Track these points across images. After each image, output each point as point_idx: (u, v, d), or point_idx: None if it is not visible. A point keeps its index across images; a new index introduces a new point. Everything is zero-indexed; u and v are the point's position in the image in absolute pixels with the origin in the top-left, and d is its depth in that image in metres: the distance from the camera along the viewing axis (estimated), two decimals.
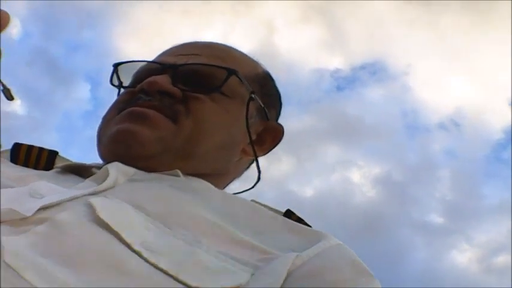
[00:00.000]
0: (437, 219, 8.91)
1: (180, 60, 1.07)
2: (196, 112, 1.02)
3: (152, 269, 0.71)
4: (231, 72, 1.06)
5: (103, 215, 0.75)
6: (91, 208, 0.76)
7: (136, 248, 0.73)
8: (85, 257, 0.69)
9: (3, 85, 1.01)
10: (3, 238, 0.64)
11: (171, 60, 1.08)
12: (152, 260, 0.72)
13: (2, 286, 0.60)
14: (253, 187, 1.14)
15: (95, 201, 0.78)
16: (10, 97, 1.02)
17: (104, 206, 0.77)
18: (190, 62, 1.06)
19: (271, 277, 0.76)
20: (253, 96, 1.09)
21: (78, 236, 0.72)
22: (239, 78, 1.07)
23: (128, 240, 0.73)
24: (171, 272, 0.72)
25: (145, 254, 0.72)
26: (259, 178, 1.14)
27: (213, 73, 1.06)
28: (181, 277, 0.72)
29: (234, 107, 1.07)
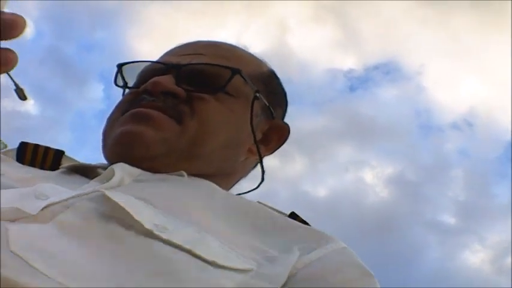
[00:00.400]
0: (450, 219, 8.88)
1: (184, 60, 1.06)
2: (201, 112, 1.01)
3: (165, 245, 0.71)
4: (235, 71, 1.05)
5: (111, 194, 0.77)
6: (95, 202, 0.77)
7: (147, 226, 0.73)
8: (94, 241, 0.69)
9: (16, 85, 1.01)
10: (9, 232, 0.64)
11: (174, 60, 1.08)
12: (165, 236, 0.72)
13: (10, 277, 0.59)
14: (257, 187, 1.14)
15: (103, 190, 0.79)
16: (23, 97, 1.02)
17: (111, 193, 0.78)
18: (194, 61, 1.06)
19: (270, 277, 0.76)
20: (257, 95, 1.09)
21: (86, 227, 0.72)
22: (243, 77, 1.06)
23: (139, 219, 0.73)
24: (186, 246, 0.72)
25: (157, 232, 0.73)
26: (263, 178, 1.13)
27: (217, 73, 1.05)
28: (197, 251, 0.72)
29: (239, 106, 1.06)
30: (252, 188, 1.14)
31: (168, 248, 0.71)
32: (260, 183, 1.13)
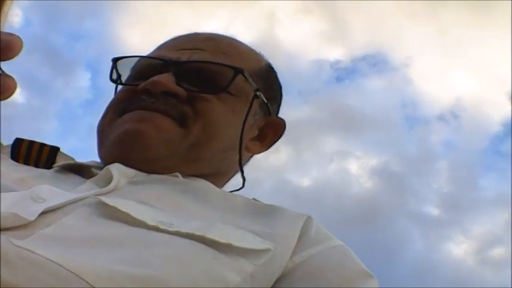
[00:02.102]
0: (434, 210, 8.92)
1: (184, 56, 1.04)
2: (204, 114, 0.99)
3: (175, 237, 0.71)
4: (238, 71, 1.03)
5: (108, 201, 0.76)
6: (95, 207, 0.76)
7: (151, 223, 0.72)
8: (100, 241, 0.69)
9: (3, 73, 1.01)
10: (8, 241, 0.63)
11: (173, 55, 1.05)
12: (173, 229, 0.72)
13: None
14: (239, 189, 1.11)
15: (101, 196, 0.78)
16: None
17: (109, 199, 0.77)
18: (194, 58, 1.03)
19: (279, 265, 0.77)
20: (258, 94, 1.07)
21: (87, 230, 0.71)
22: (245, 77, 1.04)
23: (141, 218, 0.73)
24: (197, 233, 0.71)
25: (163, 226, 0.72)
26: (243, 185, 1.11)
27: (218, 71, 1.03)
28: (209, 236, 0.71)
29: (240, 106, 1.05)
30: (234, 190, 1.11)
31: (177, 238, 0.71)
32: (241, 187, 1.11)
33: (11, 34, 0.55)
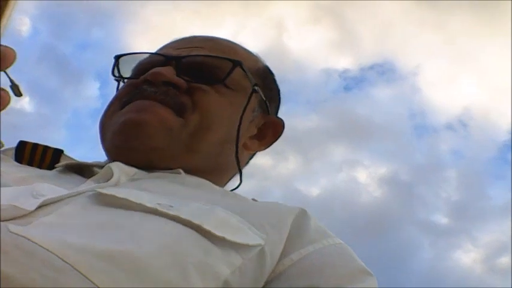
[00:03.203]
0: (442, 219, 8.89)
1: (183, 53, 1.06)
2: (202, 105, 1.01)
3: (172, 222, 0.71)
4: (236, 63, 1.05)
5: (106, 191, 0.77)
6: (94, 198, 0.77)
7: (150, 205, 0.73)
8: (97, 227, 0.69)
9: (12, 81, 1.01)
10: (8, 230, 0.63)
11: (173, 53, 1.07)
12: (172, 213, 0.72)
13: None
14: (236, 188, 1.12)
15: (100, 189, 0.79)
16: (18, 93, 1.03)
17: (107, 190, 0.78)
18: (193, 53, 1.06)
19: (270, 259, 0.77)
20: (256, 88, 1.09)
21: (85, 216, 0.72)
22: (244, 70, 1.06)
23: (140, 201, 0.73)
24: (195, 221, 0.71)
25: (162, 209, 0.72)
26: (241, 180, 1.12)
27: (217, 64, 1.05)
28: (205, 226, 0.71)
29: (238, 100, 1.07)
30: (233, 188, 1.13)
31: (174, 224, 0.71)
32: (238, 185, 1.12)
33: (5, 46, 0.58)
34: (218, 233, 0.72)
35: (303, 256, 0.82)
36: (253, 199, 0.99)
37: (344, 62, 9.19)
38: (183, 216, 0.72)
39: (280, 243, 0.81)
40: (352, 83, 8.71)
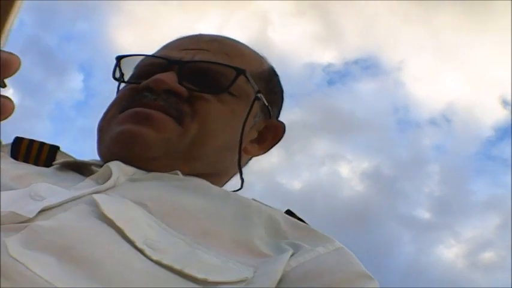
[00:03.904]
0: (425, 214, 8.93)
1: (187, 56, 1.04)
2: (202, 113, 1.00)
3: (156, 266, 0.71)
4: (240, 72, 1.04)
5: (106, 211, 0.75)
6: (93, 206, 0.76)
7: (139, 246, 0.72)
8: (88, 252, 0.69)
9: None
10: (6, 239, 0.64)
11: (176, 55, 1.05)
12: (155, 257, 0.72)
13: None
14: (237, 190, 1.11)
15: (98, 197, 0.78)
16: (2, 84, 1.02)
17: (106, 202, 0.77)
18: (197, 58, 1.04)
19: (267, 278, 0.76)
20: (259, 96, 1.08)
21: (82, 232, 0.72)
22: (247, 78, 1.05)
23: (131, 238, 0.73)
24: (176, 267, 0.71)
25: (148, 252, 0.72)
26: (241, 186, 1.11)
27: (220, 72, 1.03)
28: (186, 271, 0.72)
29: (240, 107, 1.06)
30: (232, 191, 1.11)
31: (158, 267, 0.71)
32: (239, 189, 1.11)
33: (10, 53, 0.58)
34: (200, 275, 0.72)
35: (301, 262, 0.81)
36: (253, 199, 0.97)
37: (328, 56, 9.20)
38: (166, 262, 0.72)
39: (280, 261, 0.80)
40: (336, 77, 8.72)
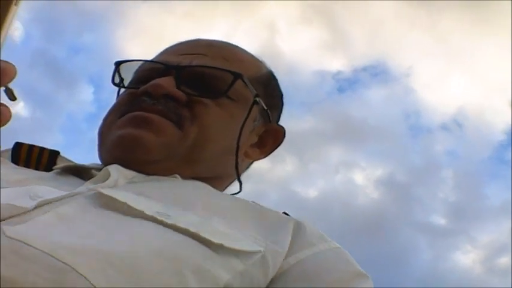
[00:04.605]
0: (440, 220, 8.89)
1: (185, 60, 1.05)
2: (201, 118, 1.01)
3: (170, 231, 0.71)
4: (237, 76, 1.04)
5: (108, 193, 0.77)
6: (93, 199, 0.77)
7: (149, 213, 0.73)
8: (96, 230, 0.69)
9: (6, 86, 1.01)
10: (5, 234, 0.63)
11: (174, 60, 1.06)
12: (169, 221, 0.72)
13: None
14: (237, 193, 1.12)
15: (98, 187, 0.80)
16: (12, 97, 1.02)
17: (109, 190, 0.79)
18: (194, 63, 1.05)
19: (279, 255, 0.79)
20: (257, 100, 1.08)
21: (83, 218, 0.72)
22: (244, 82, 1.05)
23: (139, 208, 0.73)
24: (192, 229, 0.72)
25: (160, 218, 0.73)
26: (240, 189, 1.12)
27: (218, 76, 1.04)
28: (203, 234, 0.72)
29: (239, 111, 1.06)
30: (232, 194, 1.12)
31: (172, 232, 0.71)
32: (238, 192, 1.11)
33: (6, 62, 0.60)
34: (216, 240, 0.72)
35: (299, 260, 0.83)
36: (253, 202, 0.98)
37: (337, 63, 9.20)
38: (181, 225, 0.72)
39: (281, 254, 0.81)
40: (346, 84, 8.70)
